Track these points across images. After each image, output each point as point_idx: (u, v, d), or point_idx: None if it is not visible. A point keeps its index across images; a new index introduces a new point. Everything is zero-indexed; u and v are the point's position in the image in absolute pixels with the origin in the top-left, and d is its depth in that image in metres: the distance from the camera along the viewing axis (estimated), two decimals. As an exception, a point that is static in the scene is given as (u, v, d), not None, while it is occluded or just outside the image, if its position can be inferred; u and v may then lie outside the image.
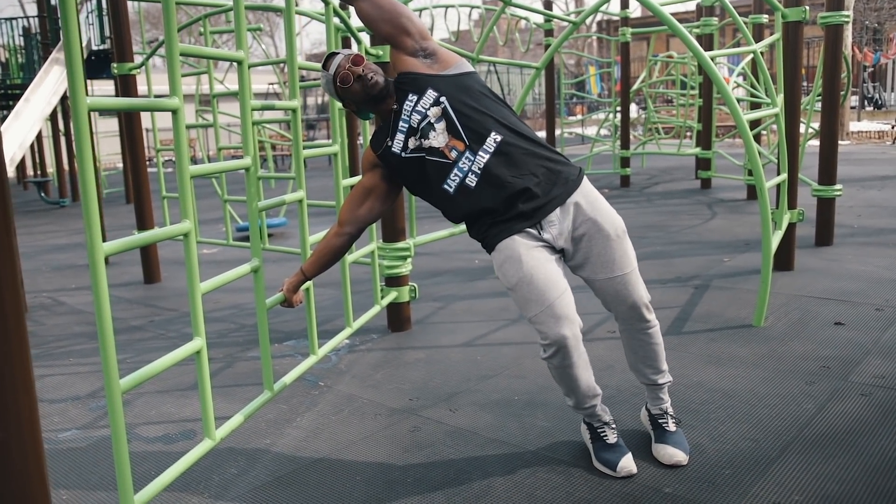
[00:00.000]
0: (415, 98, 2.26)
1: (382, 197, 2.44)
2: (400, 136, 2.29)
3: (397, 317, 3.91)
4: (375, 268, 3.76)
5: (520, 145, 2.21)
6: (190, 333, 3.94)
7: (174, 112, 2.03)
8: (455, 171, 2.20)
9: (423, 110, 2.24)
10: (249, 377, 3.37)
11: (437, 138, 2.21)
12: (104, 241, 1.78)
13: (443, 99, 2.23)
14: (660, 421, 2.46)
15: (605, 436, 2.37)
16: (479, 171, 2.17)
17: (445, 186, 2.22)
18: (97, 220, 1.70)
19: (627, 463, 2.30)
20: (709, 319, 3.84)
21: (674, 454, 2.34)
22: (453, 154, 2.20)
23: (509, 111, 2.30)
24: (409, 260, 3.88)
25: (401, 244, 3.81)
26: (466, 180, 2.19)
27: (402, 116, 2.28)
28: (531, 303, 2.16)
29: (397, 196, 2.51)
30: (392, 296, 3.83)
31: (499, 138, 2.19)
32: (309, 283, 2.82)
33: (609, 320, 3.91)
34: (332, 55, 2.38)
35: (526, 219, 2.19)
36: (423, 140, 2.24)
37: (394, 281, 3.85)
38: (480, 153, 2.18)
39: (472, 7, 12.99)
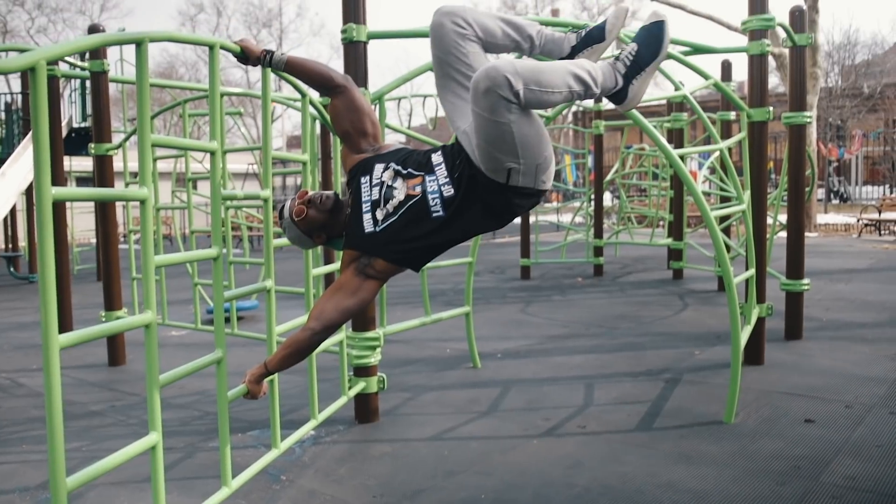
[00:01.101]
0: (367, 177, 2.42)
1: (351, 292, 2.39)
2: (367, 217, 2.38)
3: (365, 408, 3.84)
4: (344, 357, 3.71)
5: (453, 145, 2.38)
6: (151, 421, 3.83)
7: (142, 202, 2.02)
8: (430, 196, 2.30)
9: (379, 180, 2.39)
10: (209, 469, 3.26)
11: (399, 192, 2.34)
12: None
13: (391, 164, 2.41)
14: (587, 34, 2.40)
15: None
16: (447, 180, 2.29)
17: (435, 216, 2.29)
18: (54, 315, 1.66)
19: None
20: (679, 415, 3.81)
21: None
22: (418, 190, 2.32)
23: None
24: (379, 350, 3.84)
25: (370, 334, 3.77)
26: (445, 194, 2.29)
27: (363, 199, 2.41)
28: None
29: (370, 294, 2.43)
30: (360, 386, 3.77)
31: (438, 152, 2.38)
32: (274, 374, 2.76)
33: (579, 415, 3.87)
34: (280, 209, 2.54)
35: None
36: (388, 204, 2.34)
37: (362, 371, 3.79)
38: (437, 169, 2.33)
39: (451, 96, 13.33)
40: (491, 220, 2.33)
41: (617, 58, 2.27)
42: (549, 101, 2.12)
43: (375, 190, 2.37)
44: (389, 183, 2.36)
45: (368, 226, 2.35)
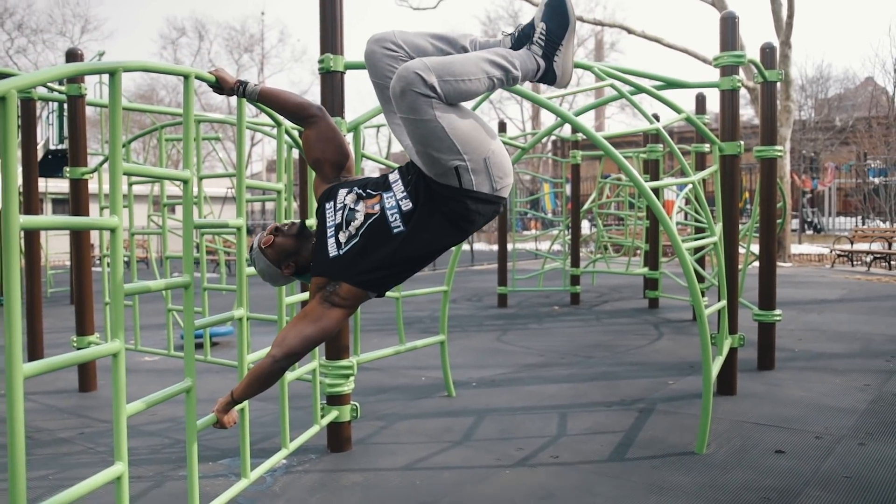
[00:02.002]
0: (331, 203, 2.45)
1: (314, 320, 2.36)
2: (331, 241, 2.39)
3: (337, 436, 3.81)
4: (317, 385, 3.69)
5: (408, 163, 2.42)
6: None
7: (112, 231, 2.02)
8: (389, 212, 2.32)
9: (342, 204, 2.41)
10: (178, 499, 3.22)
11: (360, 214, 2.36)
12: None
13: (354, 188, 2.43)
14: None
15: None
16: (404, 194, 2.32)
17: (396, 231, 2.30)
18: (19, 344, 1.65)
19: None
20: (652, 445, 3.83)
21: None
22: (376, 208, 2.34)
23: None
24: (352, 378, 3.83)
25: (344, 362, 3.75)
26: (403, 208, 2.31)
27: (327, 224, 2.43)
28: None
29: (333, 324, 2.40)
30: (333, 415, 3.74)
31: (395, 172, 2.42)
32: (244, 402, 2.75)
33: (552, 445, 3.87)
34: (251, 245, 2.56)
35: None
36: (350, 226, 2.36)
37: (335, 399, 3.77)
38: (394, 186, 2.36)
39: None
40: (451, 231, 2.32)
41: (531, 42, 2.30)
42: (470, 89, 2.15)
43: (339, 214, 2.40)
44: (352, 206, 2.39)
45: (332, 250, 2.36)
